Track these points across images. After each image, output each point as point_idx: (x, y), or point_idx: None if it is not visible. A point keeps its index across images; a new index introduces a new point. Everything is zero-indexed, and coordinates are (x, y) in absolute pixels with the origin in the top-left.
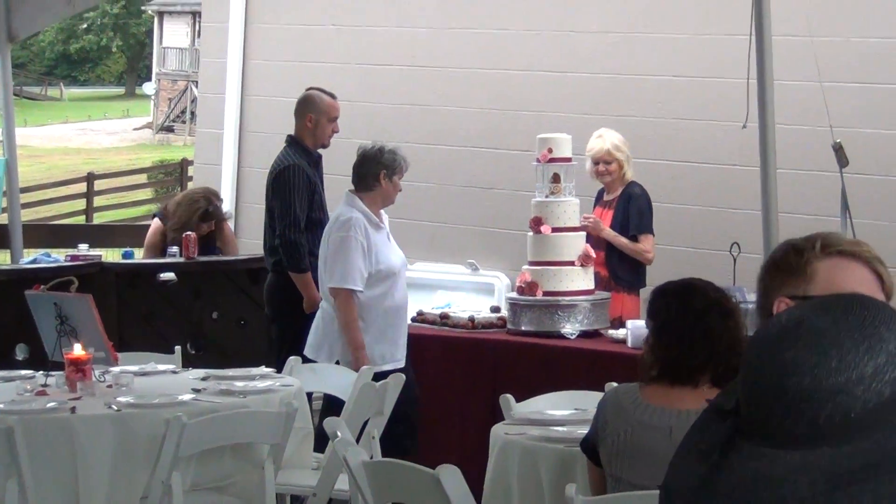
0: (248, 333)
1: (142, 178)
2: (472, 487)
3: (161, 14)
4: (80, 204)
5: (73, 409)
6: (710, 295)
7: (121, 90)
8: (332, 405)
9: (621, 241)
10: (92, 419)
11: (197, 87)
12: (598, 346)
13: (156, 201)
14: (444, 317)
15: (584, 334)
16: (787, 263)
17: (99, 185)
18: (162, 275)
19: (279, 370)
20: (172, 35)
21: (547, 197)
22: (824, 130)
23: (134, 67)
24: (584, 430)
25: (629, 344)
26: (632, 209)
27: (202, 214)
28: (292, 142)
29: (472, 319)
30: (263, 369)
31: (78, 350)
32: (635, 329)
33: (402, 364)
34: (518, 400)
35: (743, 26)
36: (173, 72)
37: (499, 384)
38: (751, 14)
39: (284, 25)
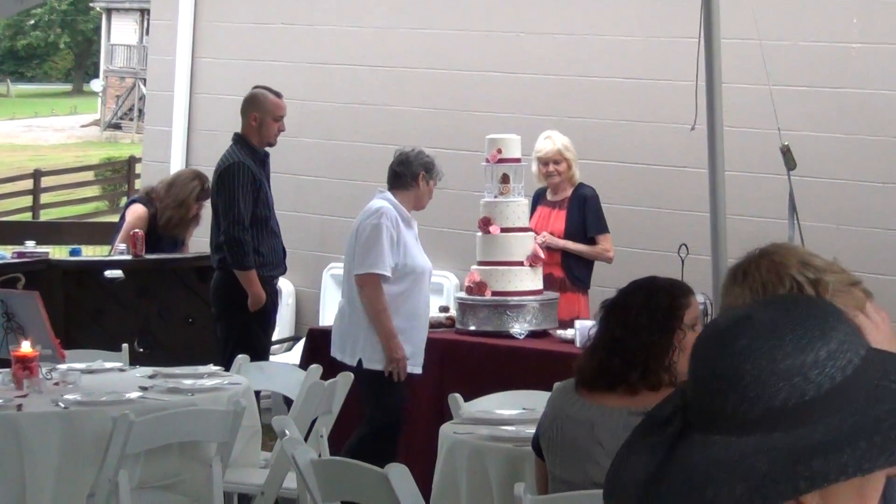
0: (196, 331)
1: (89, 176)
2: (421, 486)
3: (109, 11)
4: (27, 201)
5: (19, 407)
6: (651, 303)
7: (68, 87)
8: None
9: (579, 248)
10: (39, 417)
11: (145, 84)
12: (546, 346)
13: (103, 198)
14: None
15: (532, 334)
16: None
17: (46, 181)
18: (108, 272)
19: (226, 368)
20: (120, 32)
21: (496, 197)
22: (772, 133)
23: (81, 64)
24: (531, 430)
25: (577, 344)
26: (588, 211)
27: (199, 193)
28: (238, 140)
29: None
30: (211, 367)
31: (25, 347)
32: (583, 329)
33: (419, 371)
34: (466, 399)
35: (692, 29)
36: (121, 69)
37: (447, 383)
38: (700, 17)
39: (234, 23)
